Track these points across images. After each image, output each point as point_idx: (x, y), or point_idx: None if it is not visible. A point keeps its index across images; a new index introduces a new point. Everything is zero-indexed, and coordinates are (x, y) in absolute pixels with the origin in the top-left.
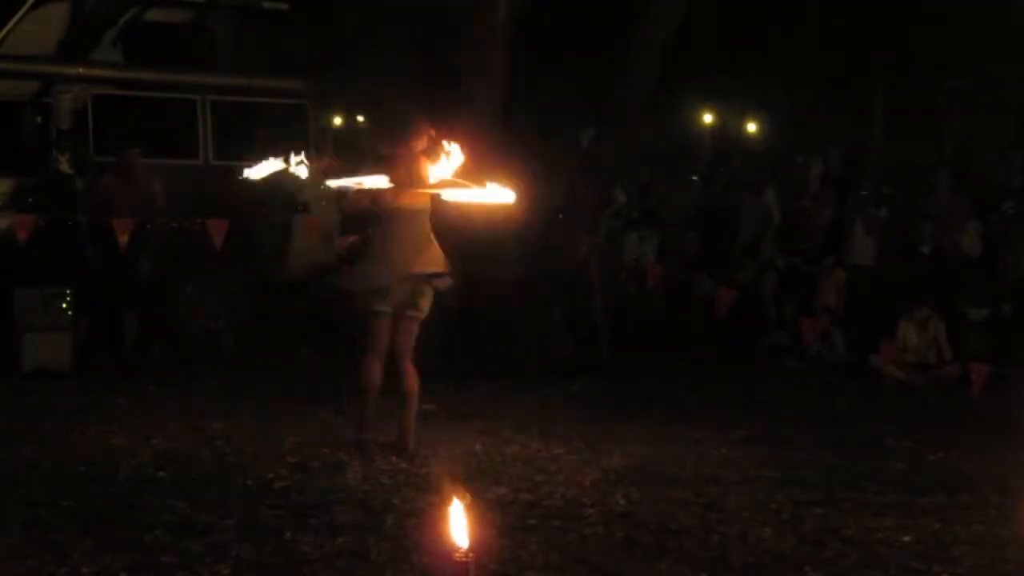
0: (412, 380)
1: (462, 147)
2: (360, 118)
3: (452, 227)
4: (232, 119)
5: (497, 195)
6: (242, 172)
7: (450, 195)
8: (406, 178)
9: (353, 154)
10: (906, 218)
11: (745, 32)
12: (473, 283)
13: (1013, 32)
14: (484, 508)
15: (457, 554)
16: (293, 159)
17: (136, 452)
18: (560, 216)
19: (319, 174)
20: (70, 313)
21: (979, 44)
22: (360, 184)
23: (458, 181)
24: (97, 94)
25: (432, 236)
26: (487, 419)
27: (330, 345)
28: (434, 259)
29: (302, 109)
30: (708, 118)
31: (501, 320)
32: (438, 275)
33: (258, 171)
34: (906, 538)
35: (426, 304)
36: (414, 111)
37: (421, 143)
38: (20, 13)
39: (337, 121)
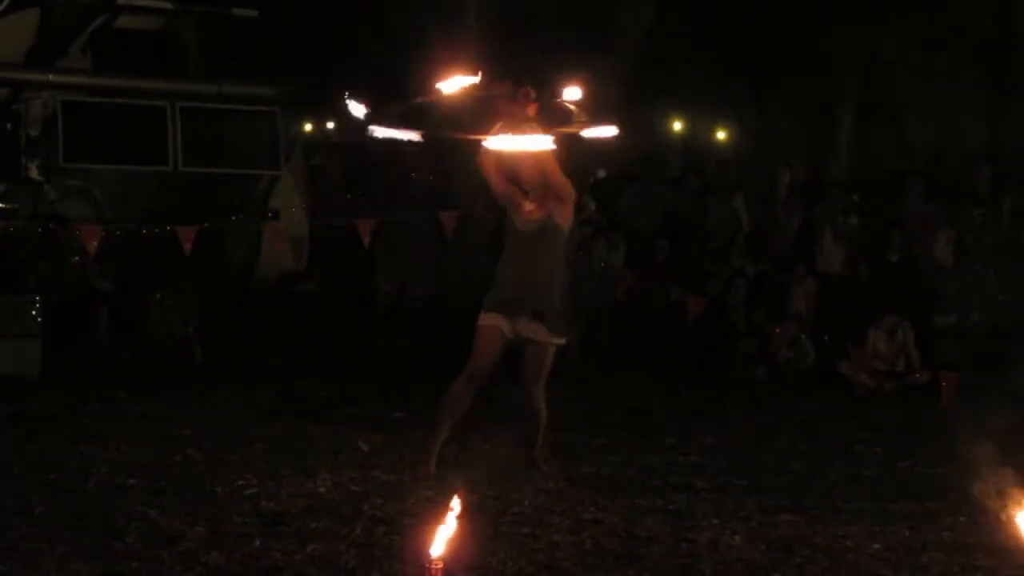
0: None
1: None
2: (330, 125)
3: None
4: (202, 125)
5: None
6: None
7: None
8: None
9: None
10: (876, 225)
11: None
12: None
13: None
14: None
15: (428, 562)
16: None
17: (106, 459)
18: None
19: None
20: (39, 319)
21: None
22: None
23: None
24: (66, 100)
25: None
26: (456, 426)
27: (300, 352)
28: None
29: (272, 115)
30: (678, 126)
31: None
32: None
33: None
34: (875, 545)
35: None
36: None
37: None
38: None
39: (307, 127)
